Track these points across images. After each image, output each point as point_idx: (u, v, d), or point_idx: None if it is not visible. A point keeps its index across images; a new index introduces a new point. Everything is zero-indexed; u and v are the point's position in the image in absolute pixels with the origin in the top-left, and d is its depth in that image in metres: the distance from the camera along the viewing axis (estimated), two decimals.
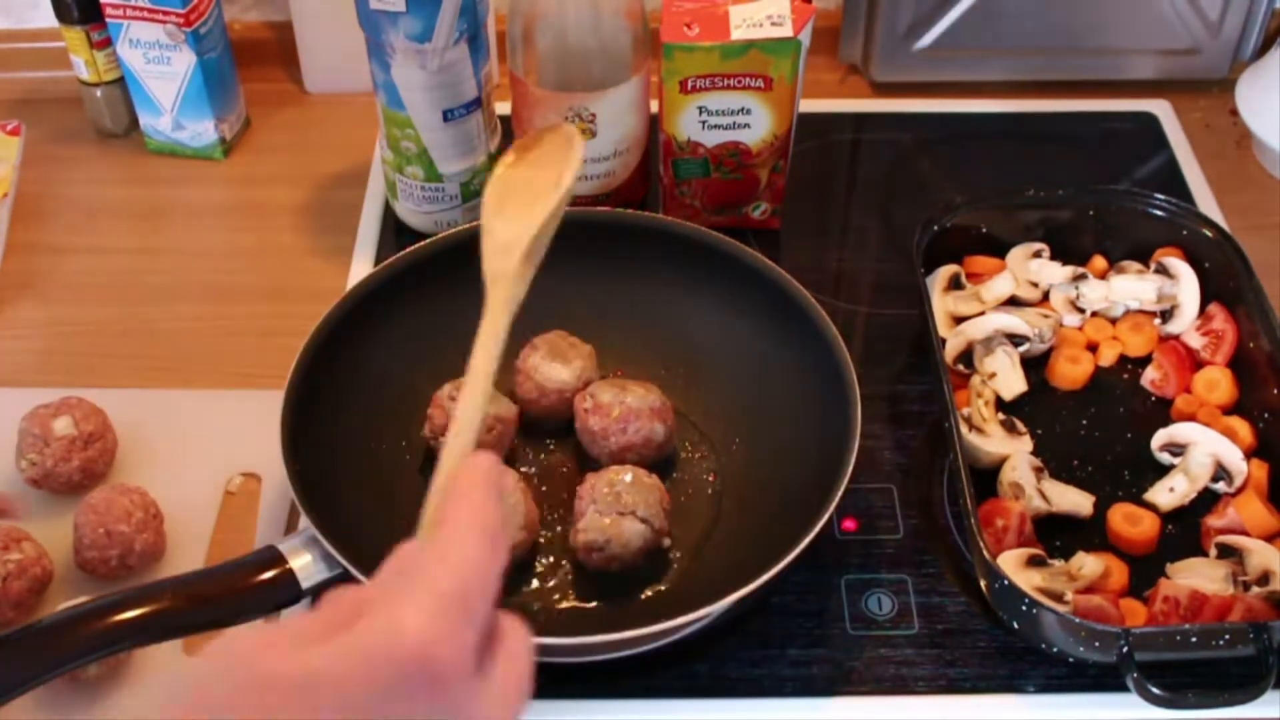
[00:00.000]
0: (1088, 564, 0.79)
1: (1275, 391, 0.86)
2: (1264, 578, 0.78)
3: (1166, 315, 0.94)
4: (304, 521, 0.74)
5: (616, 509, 0.78)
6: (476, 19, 0.92)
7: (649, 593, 0.81)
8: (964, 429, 0.85)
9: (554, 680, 0.77)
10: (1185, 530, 0.84)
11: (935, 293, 0.95)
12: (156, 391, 0.94)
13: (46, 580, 0.80)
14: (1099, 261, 0.97)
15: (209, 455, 0.89)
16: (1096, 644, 0.72)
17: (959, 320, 0.94)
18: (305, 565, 0.72)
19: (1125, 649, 0.71)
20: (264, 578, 0.71)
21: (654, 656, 0.76)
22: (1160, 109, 1.18)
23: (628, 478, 0.80)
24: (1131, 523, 0.83)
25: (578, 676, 0.78)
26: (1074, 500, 0.84)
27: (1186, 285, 0.93)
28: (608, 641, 0.74)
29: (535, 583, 0.81)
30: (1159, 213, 0.96)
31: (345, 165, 1.13)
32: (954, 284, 0.96)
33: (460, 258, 0.90)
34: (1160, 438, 0.88)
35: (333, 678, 0.42)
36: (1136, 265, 0.96)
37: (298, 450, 0.77)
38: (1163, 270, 0.94)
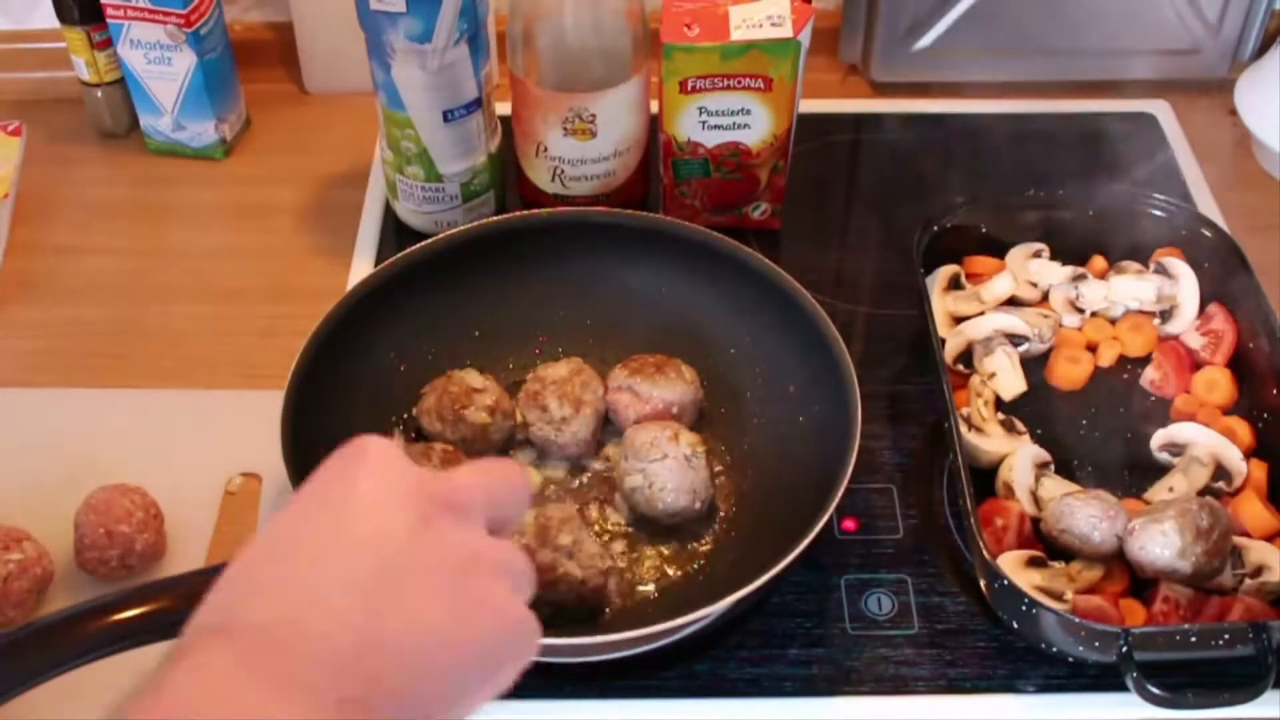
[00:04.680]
0: (1087, 565, 0.79)
1: (1275, 391, 0.86)
2: (1258, 570, 0.78)
3: (1166, 315, 0.94)
4: None
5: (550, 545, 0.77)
6: (476, 19, 0.92)
7: (650, 593, 0.81)
8: (964, 429, 0.85)
9: (554, 680, 0.78)
10: None
11: (935, 293, 0.95)
12: (156, 391, 0.94)
13: (47, 580, 0.80)
14: (1099, 261, 0.97)
15: (209, 455, 0.89)
16: (1096, 644, 0.72)
17: (959, 320, 0.94)
18: None
19: (1125, 649, 0.71)
20: None
21: (654, 656, 0.76)
22: (1160, 109, 1.18)
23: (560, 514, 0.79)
24: None
25: (578, 676, 0.78)
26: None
27: (1186, 285, 0.93)
28: (608, 642, 0.74)
29: None
30: (1159, 213, 0.96)
31: (345, 165, 1.13)
32: (954, 284, 0.96)
33: (460, 258, 0.91)
34: (1160, 438, 0.88)
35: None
36: (1136, 265, 0.96)
37: (298, 450, 0.77)
38: (1162, 270, 0.94)
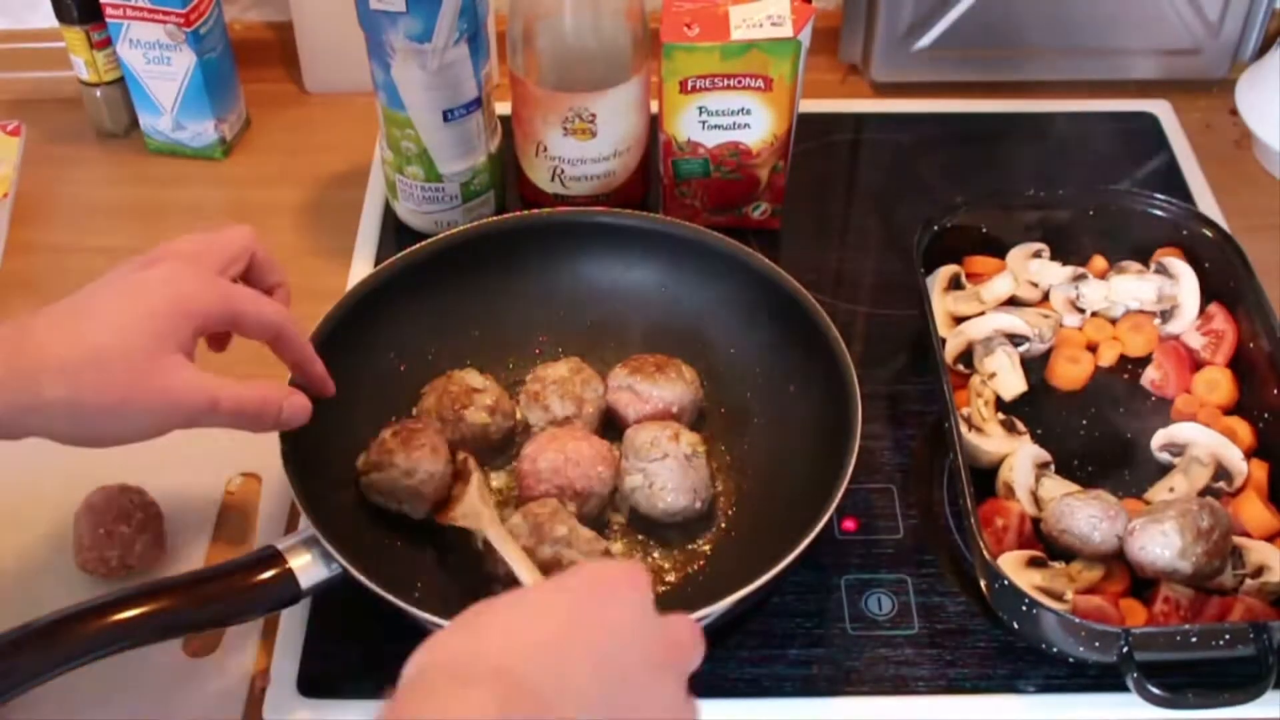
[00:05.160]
0: (1088, 565, 0.79)
1: (1275, 391, 0.86)
2: (1259, 571, 0.78)
3: (1166, 315, 0.94)
4: (304, 521, 0.74)
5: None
6: (476, 19, 0.92)
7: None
8: (964, 429, 0.85)
9: None
10: None
11: (935, 293, 0.95)
12: None
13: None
14: (1099, 261, 0.97)
15: (209, 455, 0.89)
16: (1096, 644, 0.72)
17: (959, 320, 0.94)
18: (304, 565, 0.72)
19: (1125, 649, 0.71)
20: (263, 577, 0.71)
21: None
22: (1160, 109, 1.18)
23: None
24: None
25: None
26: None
27: (1186, 285, 0.93)
28: None
29: None
30: (1159, 213, 0.96)
31: (345, 165, 1.13)
32: (954, 284, 0.96)
33: (460, 258, 0.91)
34: (1160, 438, 0.88)
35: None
36: (1136, 265, 0.96)
37: (298, 450, 0.77)
38: (1163, 270, 0.94)
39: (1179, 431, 0.87)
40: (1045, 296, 0.96)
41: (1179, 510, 0.77)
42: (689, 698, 0.55)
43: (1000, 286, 0.94)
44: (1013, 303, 0.95)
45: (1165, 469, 0.87)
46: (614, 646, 0.52)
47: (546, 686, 0.49)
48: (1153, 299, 0.93)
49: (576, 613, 0.53)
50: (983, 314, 0.93)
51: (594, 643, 0.52)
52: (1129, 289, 0.94)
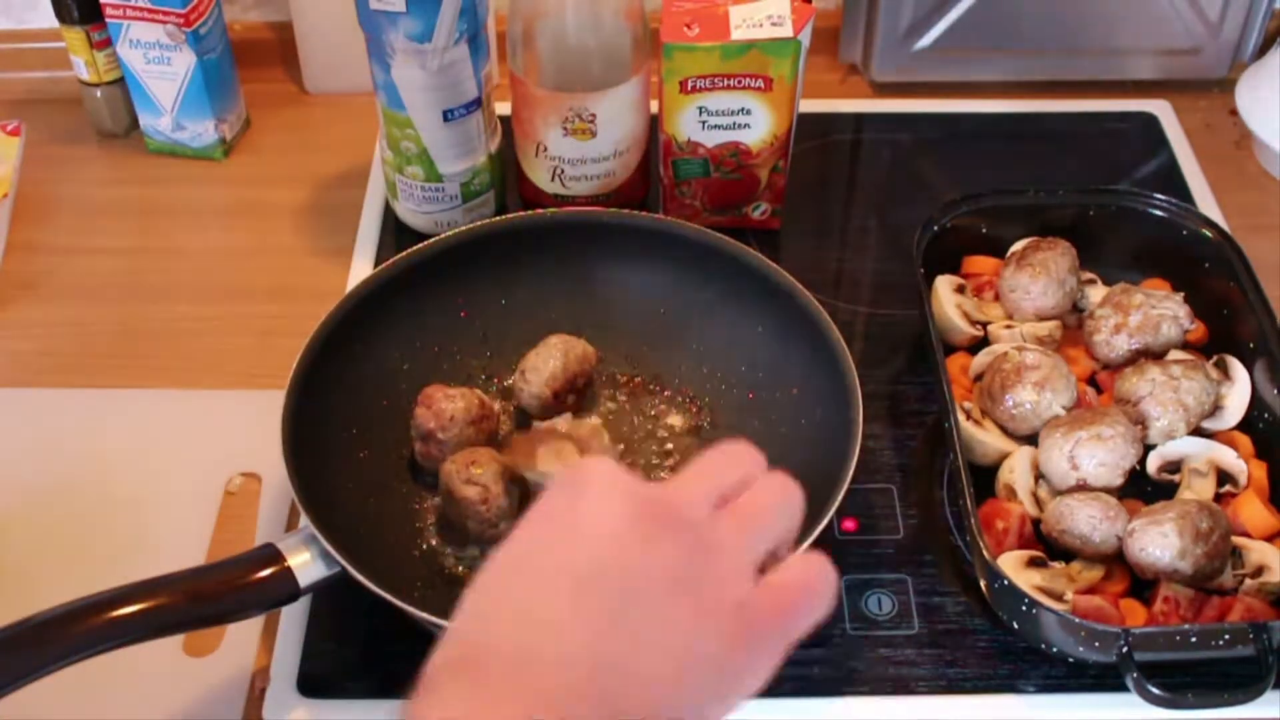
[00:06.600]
0: (1088, 565, 0.79)
1: (1276, 392, 0.86)
2: (1259, 571, 0.78)
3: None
4: (303, 521, 0.74)
5: None
6: (476, 19, 0.92)
7: None
8: (963, 419, 0.85)
9: None
10: None
11: (947, 291, 0.94)
12: (156, 391, 0.94)
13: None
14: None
15: (209, 455, 0.89)
16: (1096, 644, 0.72)
17: (974, 322, 0.93)
18: (303, 563, 0.72)
19: (1125, 649, 0.71)
20: (262, 575, 0.71)
21: None
22: (1160, 109, 1.18)
23: None
24: None
25: None
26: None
27: (1239, 390, 0.88)
28: None
29: None
30: (1159, 213, 0.96)
31: (345, 165, 1.13)
32: (959, 290, 0.95)
33: (460, 258, 0.91)
34: (1154, 460, 0.85)
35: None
36: (1192, 358, 0.88)
37: (298, 450, 0.77)
38: (1221, 367, 0.89)
39: (1170, 450, 0.85)
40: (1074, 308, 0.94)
41: (1178, 512, 0.77)
42: (751, 599, 0.46)
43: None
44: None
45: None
46: (591, 559, 0.45)
47: (523, 644, 0.44)
48: (1207, 399, 0.86)
49: (539, 535, 0.47)
50: (1009, 327, 0.91)
51: (565, 565, 0.45)
52: (1189, 386, 0.85)
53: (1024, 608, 0.73)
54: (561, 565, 0.45)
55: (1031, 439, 0.86)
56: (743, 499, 0.49)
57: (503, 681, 0.43)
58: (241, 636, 0.79)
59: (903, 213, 1.06)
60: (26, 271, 1.04)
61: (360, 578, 0.71)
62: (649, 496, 0.47)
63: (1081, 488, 0.82)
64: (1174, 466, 0.85)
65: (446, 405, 0.83)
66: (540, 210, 0.97)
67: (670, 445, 0.89)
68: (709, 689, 0.45)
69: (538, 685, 0.42)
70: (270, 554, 0.72)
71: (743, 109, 0.95)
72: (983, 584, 0.77)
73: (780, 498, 0.50)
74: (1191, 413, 0.85)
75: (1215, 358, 0.90)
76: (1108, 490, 0.82)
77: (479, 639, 0.45)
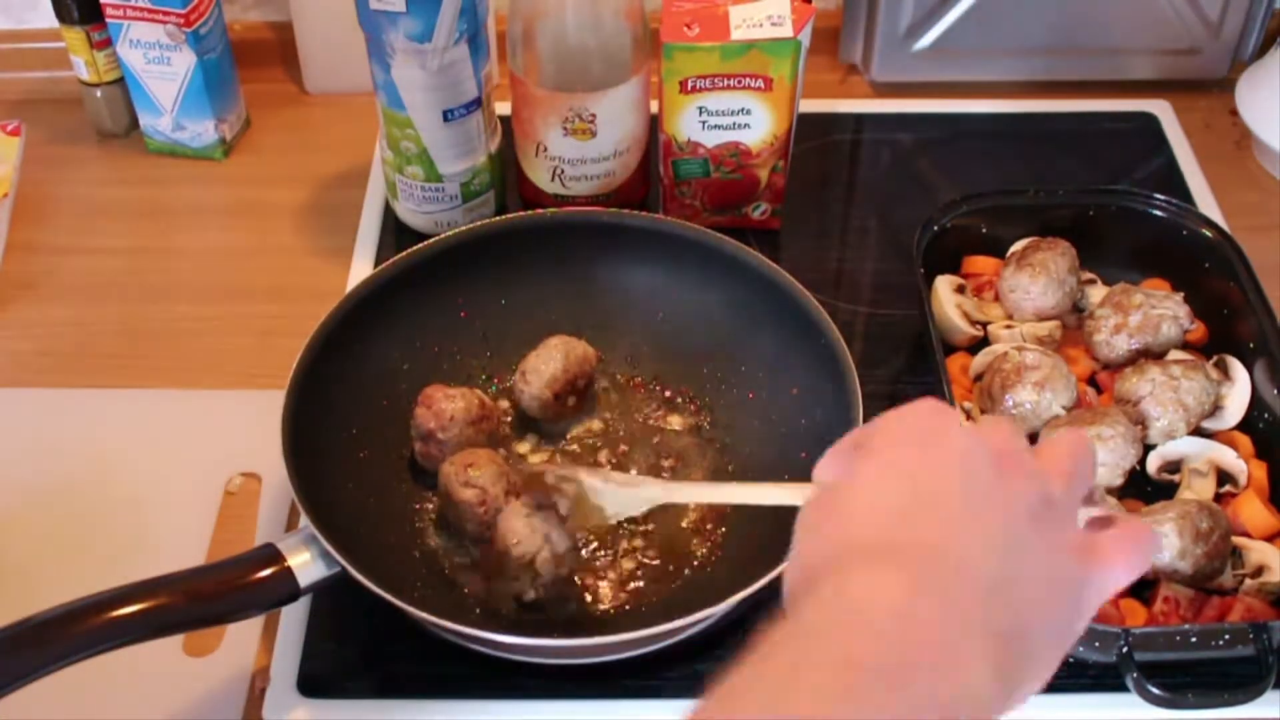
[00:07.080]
0: None
1: (1276, 393, 0.86)
2: (1259, 571, 0.78)
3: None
4: (303, 521, 0.74)
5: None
6: (476, 19, 0.92)
7: (652, 594, 0.81)
8: (962, 420, 0.84)
9: (555, 680, 0.78)
10: None
11: (947, 291, 0.94)
12: (156, 391, 0.94)
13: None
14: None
15: (209, 455, 0.89)
16: (1096, 644, 0.72)
17: (974, 322, 0.93)
18: (303, 563, 0.72)
19: (1125, 649, 0.71)
20: (262, 575, 0.71)
21: (655, 657, 0.76)
22: (1160, 109, 1.18)
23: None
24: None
25: (579, 677, 0.78)
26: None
27: (1238, 390, 0.88)
28: (610, 643, 0.74)
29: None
30: (1159, 213, 0.96)
31: (345, 165, 1.13)
32: (958, 289, 0.95)
33: (460, 258, 0.91)
34: (1154, 460, 0.86)
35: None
36: (1190, 358, 0.89)
37: (298, 450, 0.77)
38: (1221, 368, 0.89)
39: (1170, 450, 0.85)
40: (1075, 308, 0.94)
41: (1178, 512, 0.77)
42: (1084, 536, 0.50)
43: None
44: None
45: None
46: (961, 478, 0.48)
47: (947, 541, 0.46)
48: (1207, 399, 0.86)
49: (911, 465, 0.49)
50: (1009, 327, 0.92)
51: (942, 482, 0.48)
52: (1189, 386, 0.86)
53: None
54: (955, 490, 0.47)
55: (1032, 439, 0.86)
56: (1046, 449, 0.52)
57: (932, 572, 0.44)
58: (241, 636, 0.79)
59: (903, 213, 1.06)
60: (26, 271, 1.04)
61: (360, 578, 0.71)
62: (992, 437, 0.50)
63: None
64: (1174, 466, 0.85)
65: (446, 405, 0.83)
66: (540, 210, 0.97)
67: (670, 445, 0.89)
68: (1064, 620, 0.48)
69: (961, 584, 0.44)
70: (270, 554, 0.72)
71: (743, 109, 0.95)
72: None
73: (1084, 447, 0.53)
74: (1191, 413, 0.85)
75: (1215, 358, 0.90)
76: (1108, 490, 0.82)
77: (901, 530, 0.46)
